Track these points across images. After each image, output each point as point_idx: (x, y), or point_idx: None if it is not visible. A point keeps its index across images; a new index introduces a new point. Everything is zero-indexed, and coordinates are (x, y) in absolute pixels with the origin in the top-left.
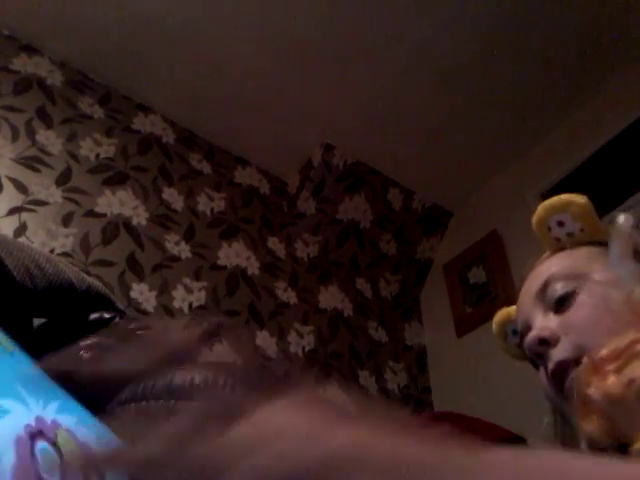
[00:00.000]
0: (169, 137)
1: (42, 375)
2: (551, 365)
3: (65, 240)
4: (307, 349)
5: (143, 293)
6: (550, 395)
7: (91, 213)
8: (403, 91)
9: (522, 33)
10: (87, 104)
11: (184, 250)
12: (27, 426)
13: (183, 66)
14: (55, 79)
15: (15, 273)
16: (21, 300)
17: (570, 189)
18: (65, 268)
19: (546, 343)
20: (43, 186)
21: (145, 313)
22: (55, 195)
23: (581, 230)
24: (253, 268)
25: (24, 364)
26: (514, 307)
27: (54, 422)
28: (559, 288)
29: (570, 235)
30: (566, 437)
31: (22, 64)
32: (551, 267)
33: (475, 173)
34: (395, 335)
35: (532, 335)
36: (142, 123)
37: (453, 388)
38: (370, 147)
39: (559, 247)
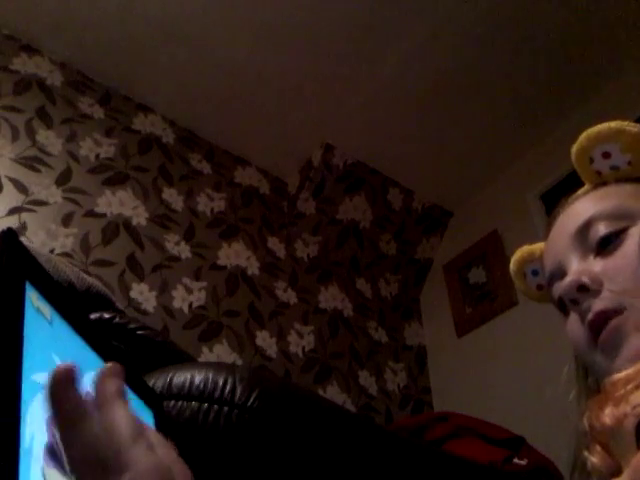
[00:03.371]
0: (169, 137)
1: (80, 343)
2: (590, 315)
3: (65, 240)
4: (307, 349)
5: (143, 293)
6: (581, 345)
7: (91, 213)
8: (403, 91)
9: (522, 34)
10: (87, 104)
11: (184, 250)
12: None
13: (183, 66)
14: (55, 79)
15: None
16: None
17: (570, 189)
18: (65, 268)
19: (585, 289)
20: (43, 186)
21: (145, 313)
22: (55, 195)
23: (629, 164)
24: (253, 268)
25: (63, 333)
26: (537, 245)
27: (90, 395)
28: (603, 228)
29: (614, 169)
30: (589, 391)
31: (22, 64)
32: (593, 205)
33: (475, 173)
34: (395, 335)
35: (570, 280)
36: (142, 123)
37: (453, 388)
38: (370, 147)
39: (600, 182)
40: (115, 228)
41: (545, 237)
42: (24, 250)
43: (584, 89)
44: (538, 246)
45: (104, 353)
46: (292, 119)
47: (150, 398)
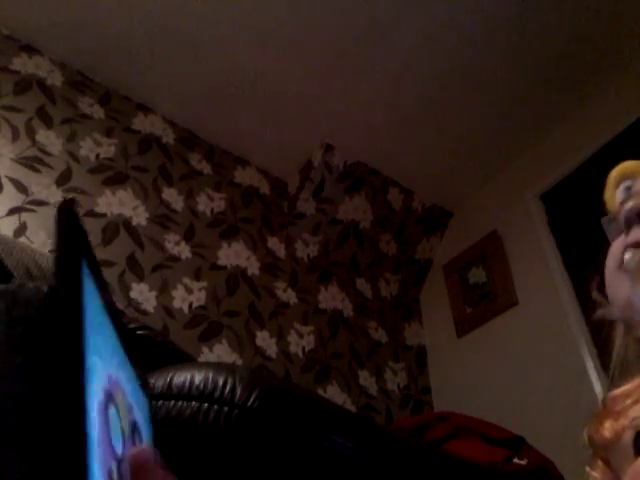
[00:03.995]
0: (169, 137)
1: (107, 320)
2: (630, 239)
3: None
4: (307, 349)
5: (143, 293)
6: (609, 264)
7: (91, 213)
8: (403, 92)
9: (522, 34)
10: (87, 104)
11: (184, 250)
12: (104, 386)
13: (183, 66)
14: (55, 79)
15: (15, 273)
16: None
17: (570, 189)
18: None
19: None
20: (43, 186)
21: (145, 313)
22: (55, 195)
23: None
24: (253, 268)
25: (97, 311)
26: None
27: (117, 381)
28: None
29: None
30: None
31: (22, 64)
32: None
33: (475, 173)
34: (395, 335)
35: (633, 203)
36: (142, 123)
37: (453, 388)
38: (370, 147)
39: None
40: (115, 228)
41: None
42: (80, 229)
43: (584, 89)
44: None
45: (127, 347)
46: (292, 119)
47: (147, 389)
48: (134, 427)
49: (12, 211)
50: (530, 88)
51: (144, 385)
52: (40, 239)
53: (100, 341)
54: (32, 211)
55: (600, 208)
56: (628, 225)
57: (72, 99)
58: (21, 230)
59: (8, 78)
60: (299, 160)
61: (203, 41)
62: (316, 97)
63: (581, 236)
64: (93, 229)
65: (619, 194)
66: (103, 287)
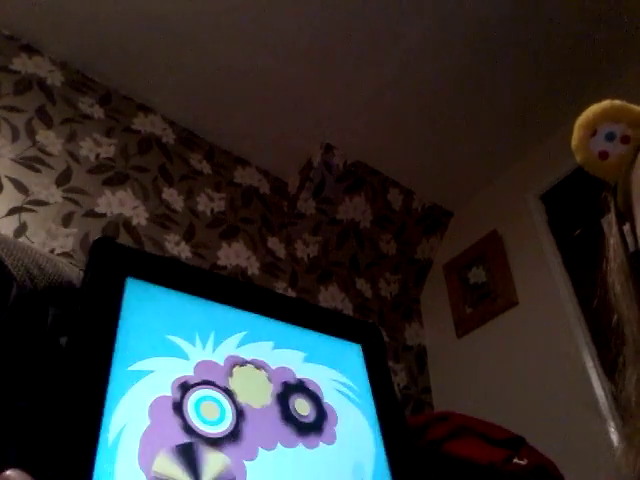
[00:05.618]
0: (169, 137)
1: (214, 307)
2: None
3: (65, 240)
4: None
5: None
6: None
7: (91, 213)
8: (403, 91)
9: (522, 34)
10: (87, 104)
11: (184, 250)
12: (177, 380)
13: (183, 66)
14: (55, 79)
15: (15, 273)
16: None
17: (570, 190)
18: (65, 268)
19: None
20: (43, 186)
21: None
22: (55, 195)
23: None
24: (253, 268)
25: (184, 304)
26: (634, 107)
27: (232, 360)
28: None
29: None
30: None
31: (22, 64)
32: None
33: (475, 173)
34: (395, 335)
35: None
36: (142, 123)
37: (453, 388)
38: (370, 147)
39: None
40: (115, 228)
41: None
42: (122, 250)
43: (584, 89)
44: (638, 108)
45: (274, 313)
46: (292, 119)
47: (355, 331)
48: (293, 388)
49: (12, 211)
50: (530, 89)
51: (350, 333)
52: (40, 239)
53: (177, 337)
54: (32, 211)
55: (599, 209)
56: None
57: (72, 99)
58: (21, 230)
59: (8, 78)
60: (299, 160)
61: (203, 41)
62: (316, 97)
63: (581, 236)
64: (93, 229)
65: (598, 143)
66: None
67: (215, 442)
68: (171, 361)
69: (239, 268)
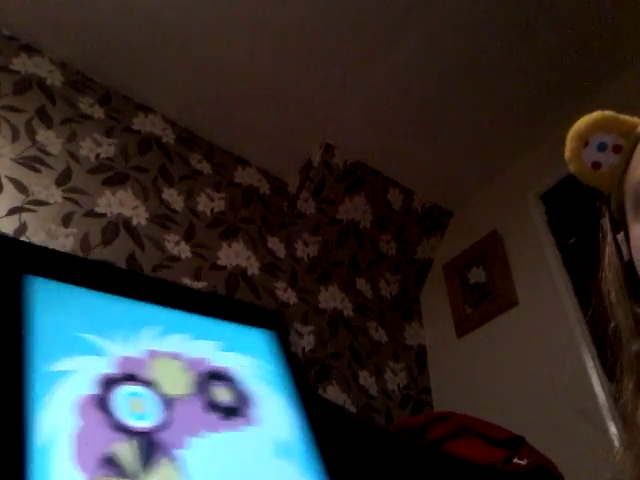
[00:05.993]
0: (169, 137)
1: (127, 304)
2: None
3: (65, 240)
4: (307, 349)
5: None
6: None
7: (91, 213)
8: (403, 91)
9: (522, 34)
10: (87, 104)
11: (184, 250)
12: (100, 377)
13: (183, 66)
14: (55, 79)
15: None
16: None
17: (570, 190)
18: None
19: None
20: (43, 186)
21: None
22: (55, 195)
23: None
24: (253, 268)
25: (97, 301)
26: (628, 118)
27: (150, 353)
28: None
29: None
30: None
31: (22, 64)
32: None
33: (475, 173)
34: (395, 335)
35: None
36: (142, 123)
37: (453, 388)
38: (370, 147)
39: None
40: (115, 228)
41: None
42: (19, 246)
43: (584, 89)
44: (629, 120)
45: (189, 306)
46: (292, 119)
47: (264, 318)
48: (210, 376)
49: (12, 211)
50: (530, 89)
51: (262, 322)
52: (40, 239)
53: (92, 335)
54: (32, 211)
55: (599, 209)
56: None
57: (72, 99)
58: (21, 230)
59: (8, 78)
60: (299, 160)
61: (203, 41)
62: (316, 97)
63: (581, 236)
64: (93, 229)
65: (590, 154)
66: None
67: (146, 435)
68: (90, 359)
69: (239, 268)
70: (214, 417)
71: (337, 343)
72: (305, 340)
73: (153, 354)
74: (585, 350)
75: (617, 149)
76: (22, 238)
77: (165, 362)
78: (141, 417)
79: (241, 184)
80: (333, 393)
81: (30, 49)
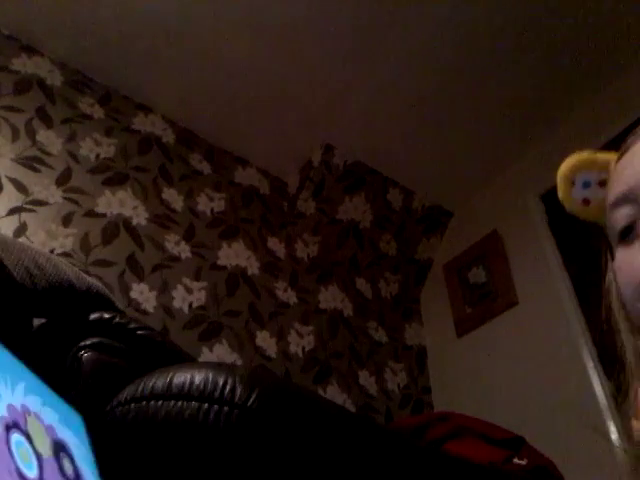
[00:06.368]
0: (169, 137)
1: (1, 350)
2: None
3: (65, 240)
4: (307, 349)
5: (143, 293)
6: (632, 282)
7: (91, 213)
8: (403, 92)
9: (522, 35)
10: (87, 104)
11: (184, 250)
12: (1, 419)
13: (183, 66)
14: (55, 79)
15: (15, 273)
16: (21, 300)
17: None
18: (65, 268)
19: None
20: (43, 186)
21: (145, 313)
22: (55, 195)
23: None
24: (253, 268)
25: None
26: (601, 155)
27: (24, 408)
28: None
29: None
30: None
31: (22, 64)
32: None
33: (475, 173)
34: (395, 335)
35: None
36: (142, 123)
37: (453, 388)
38: (370, 147)
39: None
40: (115, 228)
41: (621, 152)
42: None
43: (584, 90)
44: (603, 156)
45: (33, 366)
46: (292, 119)
47: (80, 404)
48: (58, 446)
49: (12, 211)
50: (530, 89)
51: (75, 402)
52: (40, 239)
53: None
54: (32, 211)
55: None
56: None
57: (72, 99)
58: (21, 230)
59: (8, 78)
60: (299, 160)
61: (203, 41)
62: (316, 97)
63: (581, 236)
64: (93, 229)
65: (578, 192)
66: None
67: None
68: None
69: (239, 268)
70: None
71: (337, 343)
72: (305, 340)
73: (26, 409)
74: (585, 350)
75: (602, 183)
76: (22, 238)
77: (32, 420)
78: (29, 467)
79: (241, 184)
80: (333, 393)
81: (30, 49)
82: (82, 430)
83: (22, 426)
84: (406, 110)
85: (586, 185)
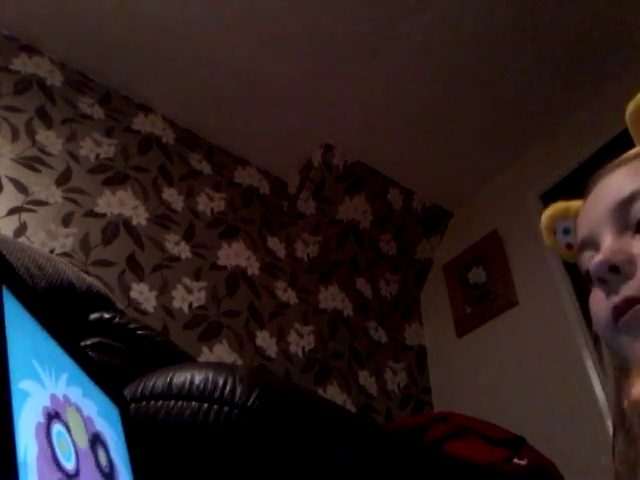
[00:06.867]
0: (169, 137)
1: (48, 340)
2: (617, 299)
3: (65, 240)
4: (307, 349)
5: (143, 293)
6: (601, 322)
7: (91, 213)
8: (403, 91)
9: (523, 34)
10: (87, 104)
11: (184, 250)
12: (44, 408)
13: (183, 66)
14: (55, 79)
15: None
16: None
17: (570, 189)
18: (65, 268)
19: (616, 270)
20: (43, 186)
21: (145, 313)
22: (55, 195)
23: None
24: (253, 268)
25: (36, 330)
26: (573, 203)
27: (65, 398)
28: None
29: None
30: (614, 368)
31: (22, 64)
32: (638, 177)
33: (475, 173)
34: (395, 335)
35: (601, 259)
36: (142, 123)
37: (453, 388)
38: (370, 147)
39: None
40: (115, 228)
41: (584, 198)
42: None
43: (584, 90)
44: (574, 204)
45: (78, 357)
46: (292, 119)
47: (117, 396)
48: (95, 437)
49: (12, 211)
50: (530, 89)
51: (113, 394)
52: (40, 239)
53: (37, 363)
54: (32, 211)
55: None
56: (603, 282)
57: (72, 99)
58: (21, 230)
59: (8, 78)
60: (299, 160)
61: (203, 41)
62: (316, 97)
63: None
64: (93, 229)
65: (561, 239)
66: (37, 308)
67: (71, 478)
68: (38, 387)
69: (239, 268)
70: (99, 477)
71: (337, 343)
72: (305, 340)
73: (67, 399)
74: (585, 350)
75: None
76: (22, 238)
77: (72, 411)
78: (67, 459)
79: (241, 184)
80: (333, 393)
81: (30, 49)
82: (118, 422)
83: (62, 416)
84: (406, 110)
85: (566, 232)
